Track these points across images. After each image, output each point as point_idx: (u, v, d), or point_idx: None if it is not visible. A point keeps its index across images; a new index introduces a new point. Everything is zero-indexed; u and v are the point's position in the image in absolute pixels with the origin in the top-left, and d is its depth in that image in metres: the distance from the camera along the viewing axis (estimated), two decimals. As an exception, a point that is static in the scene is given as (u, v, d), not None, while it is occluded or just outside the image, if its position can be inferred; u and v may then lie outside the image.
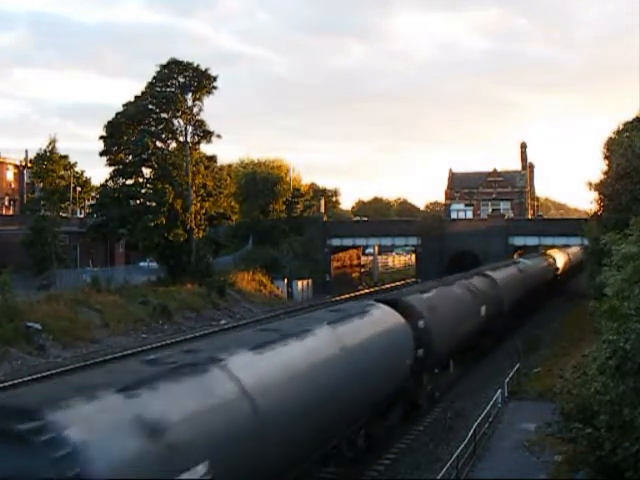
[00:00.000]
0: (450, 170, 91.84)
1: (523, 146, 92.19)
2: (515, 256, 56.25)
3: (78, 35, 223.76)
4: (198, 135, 48.04)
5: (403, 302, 19.76)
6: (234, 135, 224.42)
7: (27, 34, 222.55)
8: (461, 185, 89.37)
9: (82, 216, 61.05)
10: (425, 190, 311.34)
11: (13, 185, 66.59)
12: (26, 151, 66.84)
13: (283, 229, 60.78)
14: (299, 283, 56.22)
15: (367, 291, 58.62)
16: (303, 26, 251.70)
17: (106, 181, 47.78)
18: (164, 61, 46.64)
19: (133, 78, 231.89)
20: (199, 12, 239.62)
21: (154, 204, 45.64)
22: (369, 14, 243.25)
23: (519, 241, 58.76)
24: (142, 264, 51.70)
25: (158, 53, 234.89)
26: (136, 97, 46.85)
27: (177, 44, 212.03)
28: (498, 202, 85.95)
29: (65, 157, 64.25)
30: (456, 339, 23.09)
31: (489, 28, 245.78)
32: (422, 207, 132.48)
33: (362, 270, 73.71)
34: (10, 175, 65.95)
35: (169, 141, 48.10)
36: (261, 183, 62.49)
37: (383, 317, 17.62)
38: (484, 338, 28.63)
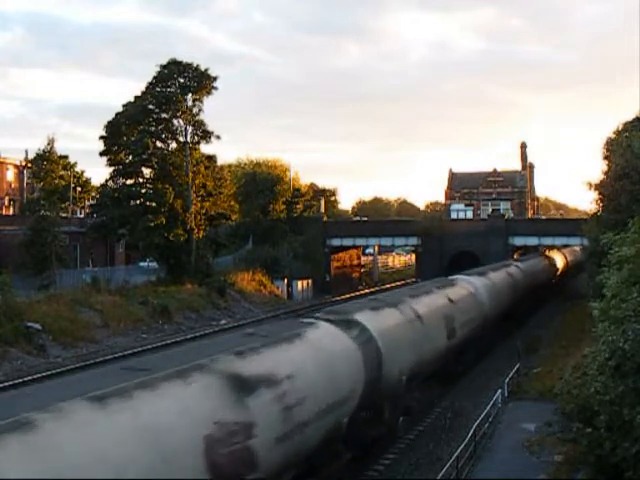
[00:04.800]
0: (450, 170, 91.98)
1: (523, 146, 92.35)
2: (515, 256, 56.31)
3: (75, 35, 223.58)
4: (198, 135, 48.05)
5: None
6: (231, 135, 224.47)
7: (24, 34, 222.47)
8: (461, 185, 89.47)
9: (82, 216, 61.00)
10: (425, 190, 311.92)
11: (13, 185, 66.59)
12: (26, 151, 66.98)
13: (283, 229, 60.73)
14: (299, 283, 56.18)
15: (367, 291, 58.62)
16: (300, 26, 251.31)
17: (106, 181, 47.82)
18: (161, 61, 46.77)
19: (131, 78, 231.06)
20: (196, 12, 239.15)
21: (154, 204, 45.66)
22: (365, 14, 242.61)
23: (519, 241, 58.73)
24: (142, 264, 51.68)
25: (155, 53, 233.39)
26: (136, 97, 46.85)
27: (174, 44, 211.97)
28: (498, 202, 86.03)
29: (65, 157, 64.30)
30: None
31: (485, 28, 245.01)
32: (422, 207, 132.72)
33: (362, 270, 73.72)
34: (10, 175, 65.95)
35: (169, 141, 48.05)
36: (261, 183, 62.47)
37: None
38: None
